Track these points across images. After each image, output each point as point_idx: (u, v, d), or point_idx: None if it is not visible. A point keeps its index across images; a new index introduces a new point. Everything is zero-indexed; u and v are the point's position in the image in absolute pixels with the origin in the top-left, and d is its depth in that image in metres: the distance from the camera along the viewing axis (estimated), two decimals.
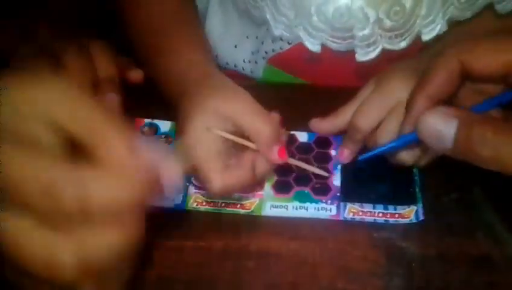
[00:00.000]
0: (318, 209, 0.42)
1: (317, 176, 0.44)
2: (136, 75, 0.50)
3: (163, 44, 0.47)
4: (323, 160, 0.45)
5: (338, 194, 0.43)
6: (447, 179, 0.43)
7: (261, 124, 0.38)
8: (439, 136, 0.31)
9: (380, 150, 0.38)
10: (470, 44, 0.34)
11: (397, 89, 0.40)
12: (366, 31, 0.43)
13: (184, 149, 0.38)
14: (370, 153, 0.38)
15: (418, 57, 0.45)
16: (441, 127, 0.31)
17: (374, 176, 0.44)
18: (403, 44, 0.45)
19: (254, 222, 0.42)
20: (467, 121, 0.30)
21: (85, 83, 0.46)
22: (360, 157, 0.39)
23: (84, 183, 0.23)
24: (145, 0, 0.50)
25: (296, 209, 0.42)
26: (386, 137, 0.40)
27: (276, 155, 0.38)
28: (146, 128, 0.49)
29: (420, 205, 0.42)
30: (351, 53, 0.45)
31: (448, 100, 0.34)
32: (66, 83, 0.28)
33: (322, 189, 0.43)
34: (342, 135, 0.44)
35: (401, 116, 0.37)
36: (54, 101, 0.27)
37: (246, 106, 0.39)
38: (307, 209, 0.42)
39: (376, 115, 0.41)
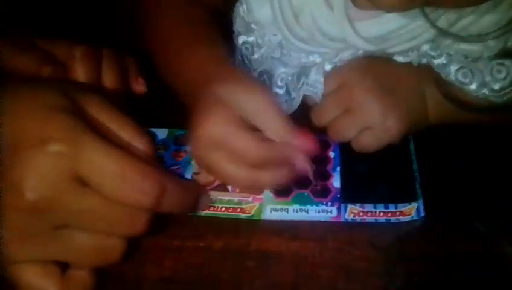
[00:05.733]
0: (319, 212, 0.42)
1: (316, 178, 0.44)
2: (139, 88, 0.51)
3: (184, 46, 0.47)
4: (322, 162, 0.45)
5: (338, 196, 0.43)
6: (446, 180, 0.44)
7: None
8: None
9: None
10: None
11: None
12: None
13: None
14: None
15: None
16: None
17: (374, 175, 0.44)
18: None
19: (254, 223, 0.42)
20: None
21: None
22: None
23: None
24: (170, 11, 0.51)
25: (297, 212, 0.42)
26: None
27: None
28: None
29: (421, 201, 0.42)
30: None
31: None
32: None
33: (321, 191, 0.44)
34: None
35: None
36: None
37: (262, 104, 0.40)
38: (307, 212, 0.42)
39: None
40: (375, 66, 0.45)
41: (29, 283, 0.30)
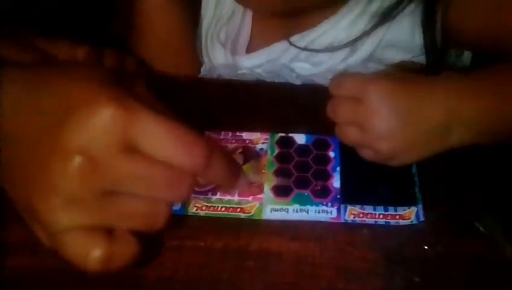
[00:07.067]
0: (319, 212, 0.42)
1: (316, 177, 0.44)
2: None
3: None
4: (322, 162, 0.45)
5: (338, 196, 0.43)
6: (446, 179, 0.44)
7: None
8: None
9: None
10: None
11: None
12: None
13: None
14: None
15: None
16: None
17: (374, 177, 0.44)
18: None
19: (254, 222, 0.42)
20: None
21: None
22: None
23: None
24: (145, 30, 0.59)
25: (297, 212, 0.42)
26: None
27: None
28: None
29: (420, 205, 0.42)
30: None
31: None
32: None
33: (321, 191, 0.44)
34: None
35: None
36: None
37: None
38: (307, 212, 0.42)
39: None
40: (402, 90, 0.42)
41: (75, 247, 0.29)
